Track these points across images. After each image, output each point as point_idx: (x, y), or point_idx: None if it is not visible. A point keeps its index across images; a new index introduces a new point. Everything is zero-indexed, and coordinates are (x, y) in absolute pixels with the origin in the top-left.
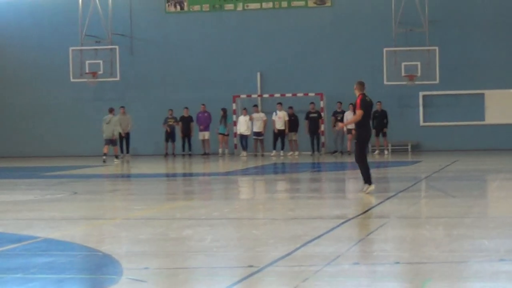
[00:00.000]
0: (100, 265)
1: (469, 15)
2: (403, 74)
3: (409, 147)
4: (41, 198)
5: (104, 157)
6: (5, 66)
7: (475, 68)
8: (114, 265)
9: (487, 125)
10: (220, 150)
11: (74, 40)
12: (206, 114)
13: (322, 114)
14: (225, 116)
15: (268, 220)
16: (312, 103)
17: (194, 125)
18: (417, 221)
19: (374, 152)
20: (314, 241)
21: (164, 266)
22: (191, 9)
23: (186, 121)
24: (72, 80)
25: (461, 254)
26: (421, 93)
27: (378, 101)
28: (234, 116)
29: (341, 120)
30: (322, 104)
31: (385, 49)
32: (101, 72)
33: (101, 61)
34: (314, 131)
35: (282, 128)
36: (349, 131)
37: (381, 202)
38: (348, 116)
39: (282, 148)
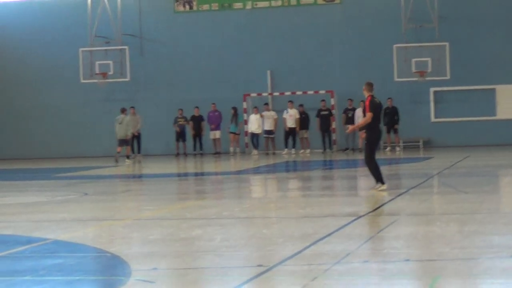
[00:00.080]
0: (109, 266)
1: (479, 10)
2: (413, 70)
3: (420, 143)
4: (51, 199)
5: (117, 155)
6: (15, 68)
7: (486, 63)
8: (122, 266)
9: (499, 120)
10: (231, 149)
11: (83, 41)
12: (216, 113)
13: (333, 111)
14: (236, 115)
15: (278, 219)
16: (323, 100)
17: (205, 124)
18: (428, 218)
19: (385, 149)
20: (324, 239)
21: (173, 267)
22: (200, 9)
23: (197, 121)
24: (82, 81)
25: (471, 250)
26: (432, 89)
27: (389, 98)
28: (245, 115)
29: (352, 118)
30: (332, 101)
31: (395, 46)
32: (111, 72)
33: (111, 62)
34: (325, 128)
35: (293, 126)
36: (360, 128)
37: (392, 199)
38: (359, 113)
39: (294, 146)
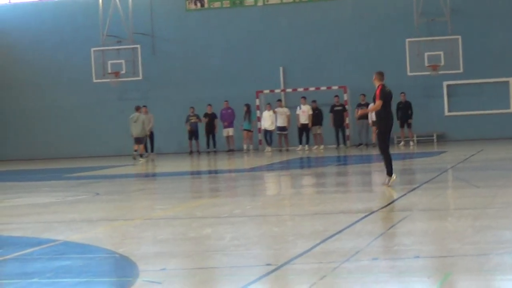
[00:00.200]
0: (117, 267)
1: (491, 2)
2: (426, 64)
3: (434, 137)
4: (62, 200)
5: (135, 153)
6: (27, 69)
7: (499, 56)
8: (130, 267)
9: None
10: (244, 146)
11: (95, 41)
12: (229, 111)
13: (347, 107)
14: (249, 112)
15: (290, 217)
16: (336, 96)
17: (218, 122)
18: (440, 213)
19: (399, 143)
20: (334, 236)
21: (181, 267)
22: (211, 6)
23: (210, 118)
24: (94, 80)
25: (482, 246)
26: (445, 83)
27: (402, 92)
28: (258, 112)
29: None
30: (345, 96)
31: (407, 40)
32: (123, 72)
33: (123, 61)
34: (339, 124)
35: (306, 122)
36: (374, 123)
37: (404, 195)
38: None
39: (307, 142)
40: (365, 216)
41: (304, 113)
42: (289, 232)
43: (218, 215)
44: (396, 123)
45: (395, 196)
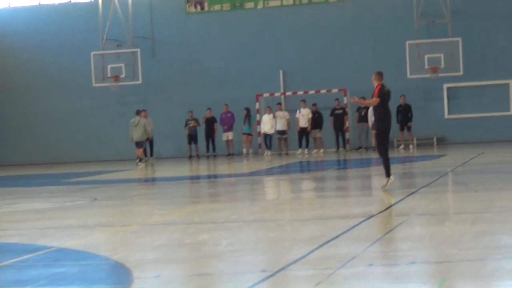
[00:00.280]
0: (111, 274)
1: (492, 4)
2: (426, 66)
3: (434, 140)
4: (60, 205)
5: (138, 160)
6: (27, 73)
7: (499, 58)
8: (125, 274)
9: None
10: (244, 150)
11: (95, 45)
12: (229, 115)
13: (347, 110)
14: (249, 116)
15: (287, 222)
16: (337, 99)
17: (217, 126)
18: (437, 218)
19: (399, 146)
20: (331, 242)
21: (176, 274)
22: (211, 9)
23: (210, 122)
24: (94, 85)
25: (479, 251)
26: (445, 85)
27: (402, 95)
28: (258, 115)
29: (365, 116)
30: (345, 100)
31: (407, 42)
32: (123, 75)
33: (123, 65)
34: (339, 127)
35: (306, 126)
36: (373, 126)
37: (402, 199)
38: (372, 112)
39: (307, 146)
40: (363, 221)
41: (303, 116)
42: (285, 237)
43: (215, 221)
44: (396, 126)
45: (394, 200)
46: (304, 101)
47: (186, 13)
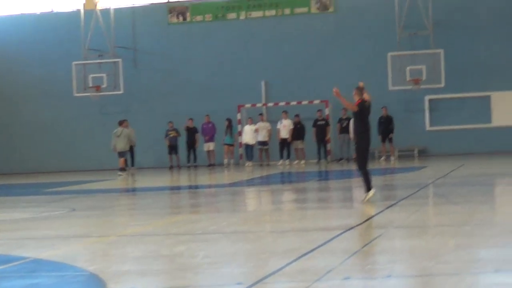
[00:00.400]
0: (86, 286)
1: (474, 17)
2: (408, 78)
3: (415, 152)
4: (38, 215)
5: (120, 172)
6: (8, 82)
7: (481, 70)
8: (99, 286)
9: (494, 128)
10: (225, 161)
11: (77, 55)
12: (210, 125)
13: (329, 121)
14: (230, 127)
15: (265, 233)
16: (319, 110)
17: (199, 136)
18: (415, 231)
19: (380, 158)
20: (308, 254)
21: (151, 286)
22: (193, 20)
23: (191, 132)
24: (75, 94)
25: (457, 265)
26: (426, 97)
27: (384, 106)
28: (239, 126)
29: (347, 127)
30: (327, 111)
31: (389, 54)
32: (104, 85)
33: (104, 75)
34: (321, 138)
35: (286, 137)
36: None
37: (381, 211)
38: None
39: (288, 157)
40: (341, 233)
41: (285, 127)
42: (263, 249)
43: (193, 232)
44: (377, 137)
45: (373, 212)
46: (285, 112)
47: (168, 23)
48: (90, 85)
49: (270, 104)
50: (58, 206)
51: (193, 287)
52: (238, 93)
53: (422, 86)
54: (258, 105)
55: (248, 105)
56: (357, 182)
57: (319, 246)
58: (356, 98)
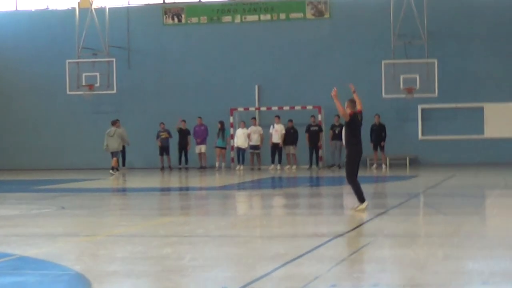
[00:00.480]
0: (70, 285)
1: (468, 27)
2: (401, 87)
3: (407, 161)
4: (26, 213)
5: (113, 171)
6: (2, 79)
7: (474, 81)
8: (84, 286)
9: (486, 139)
10: (217, 164)
11: (71, 53)
12: (202, 128)
13: (322, 127)
14: (223, 129)
15: (253, 238)
16: (312, 116)
17: (191, 138)
18: (404, 240)
19: (371, 166)
20: (295, 260)
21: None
22: (188, 22)
23: (184, 134)
24: (68, 92)
25: (443, 276)
26: (419, 106)
27: (376, 114)
28: (232, 129)
29: (339, 134)
30: (320, 117)
31: (383, 62)
32: (97, 84)
33: (98, 74)
34: (314, 144)
35: (278, 141)
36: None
37: (370, 219)
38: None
39: (280, 162)
40: (329, 240)
41: (277, 132)
42: (249, 254)
43: (180, 234)
44: (369, 145)
45: (362, 220)
46: (278, 116)
47: (163, 24)
48: (84, 83)
49: (263, 108)
50: (47, 204)
51: None
52: (231, 96)
53: (416, 95)
54: (251, 109)
55: (241, 109)
56: (348, 189)
57: (306, 253)
58: (349, 111)
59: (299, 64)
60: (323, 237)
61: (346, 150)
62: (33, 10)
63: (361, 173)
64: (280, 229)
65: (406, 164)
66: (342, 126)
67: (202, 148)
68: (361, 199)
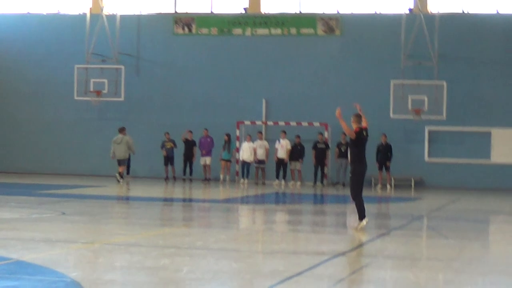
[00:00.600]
0: None
1: (479, 51)
2: (409, 108)
3: (412, 182)
4: (27, 217)
5: (119, 177)
6: (10, 81)
7: (483, 105)
8: None
9: (493, 164)
10: (221, 176)
11: (80, 58)
12: (208, 139)
13: (329, 144)
14: (229, 142)
15: (251, 253)
16: (320, 133)
17: (196, 150)
18: (404, 262)
19: (376, 186)
20: (293, 278)
21: None
22: (199, 32)
23: (189, 145)
24: (76, 98)
25: None
26: (427, 128)
27: (383, 134)
28: (238, 143)
29: (345, 152)
30: (326, 134)
31: (392, 81)
32: (105, 91)
33: (106, 80)
34: (320, 161)
35: (283, 157)
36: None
37: (371, 240)
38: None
39: (284, 177)
40: (329, 259)
41: (282, 147)
42: (247, 269)
43: (179, 246)
44: (374, 165)
45: (363, 240)
46: (284, 132)
47: (173, 34)
48: (91, 89)
49: (270, 123)
50: (48, 209)
51: None
52: (238, 110)
53: (423, 117)
54: (258, 122)
55: (247, 122)
56: (351, 208)
57: (305, 270)
58: (354, 126)
59: (308, 80)
60: (323, 255)
61: (351, 167)
62: (44, 13)
63: (365, 193)
64: (280, 245)
65: (411, 186)
66: (348, 145)
67: (207, 160)
68: (362, 216)
